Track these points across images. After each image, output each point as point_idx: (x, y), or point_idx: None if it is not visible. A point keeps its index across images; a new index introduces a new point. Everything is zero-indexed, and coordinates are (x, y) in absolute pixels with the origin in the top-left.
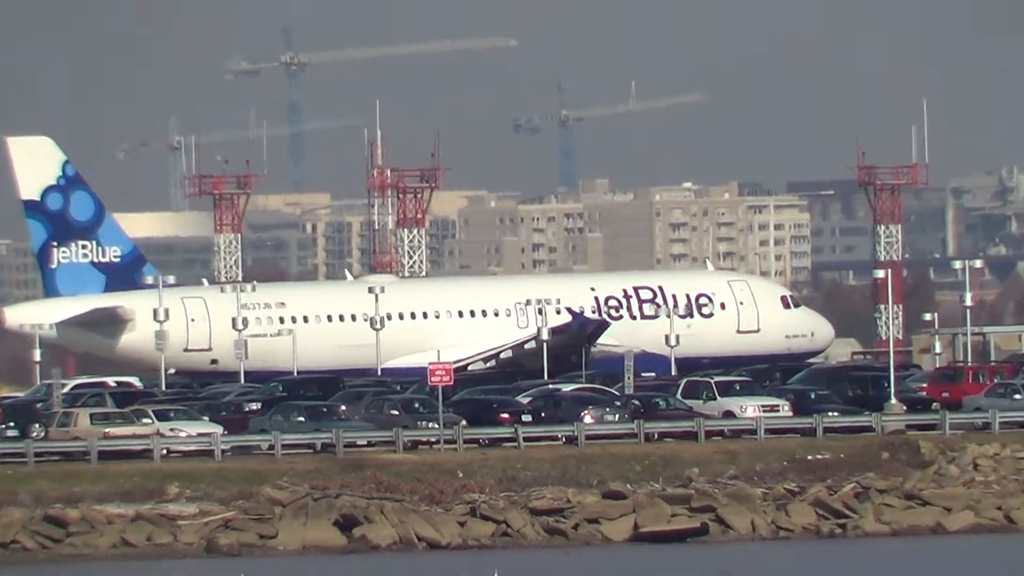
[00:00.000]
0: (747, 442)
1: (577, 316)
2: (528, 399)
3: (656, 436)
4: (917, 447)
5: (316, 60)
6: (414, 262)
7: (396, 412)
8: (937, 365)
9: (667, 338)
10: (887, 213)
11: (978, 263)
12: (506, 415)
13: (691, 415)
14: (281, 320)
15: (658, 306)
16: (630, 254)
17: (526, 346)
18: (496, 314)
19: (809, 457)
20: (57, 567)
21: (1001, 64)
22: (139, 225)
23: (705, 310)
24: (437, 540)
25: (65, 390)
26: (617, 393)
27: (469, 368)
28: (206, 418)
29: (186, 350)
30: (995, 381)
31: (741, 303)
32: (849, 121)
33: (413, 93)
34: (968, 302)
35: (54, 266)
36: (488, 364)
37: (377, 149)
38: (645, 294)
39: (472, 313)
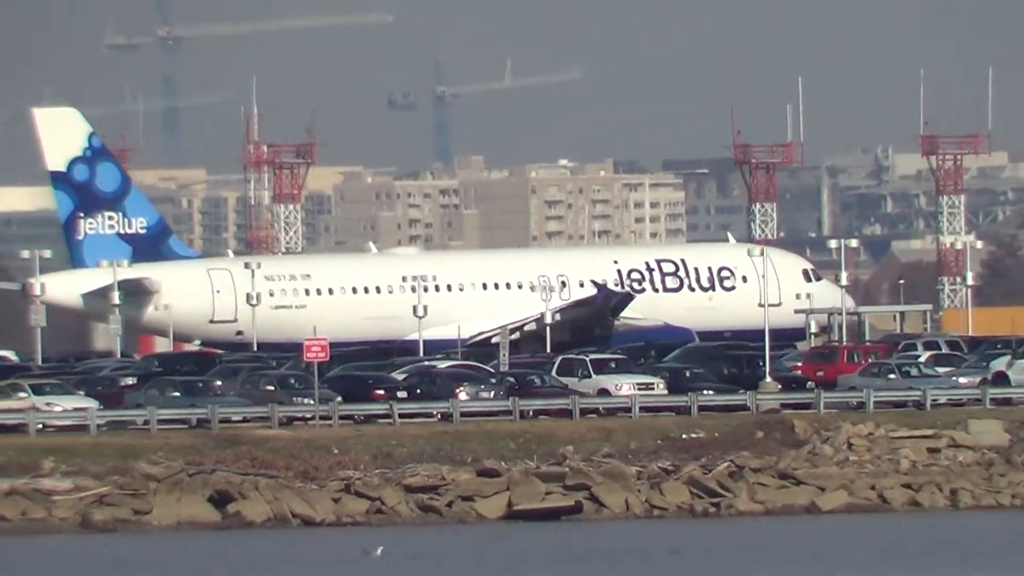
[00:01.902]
0: (622, 420)
1: (602, 288)
2: (403, 375)
3: (531, 413)
4: (791, 426)
5: (192, 34)
6: (290, 238)
7: (272, 388)
8: (812, 344)
9: None
10: (762, 191)
11: (853, 242)
12: (381, 391)
13: (566, 392)
14: (307, 292)
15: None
16: (506, 231)
17: (545, 320)
18: (519, 287)
19: (684, 436)
20: None
21: (877, 41)
22: (14, 199)
23: (727, 283)
24: (311, 517)
25: None
26: (492, 370)
27: (493, 340)
28: (82, 392)
29: (212, 321)
30: (870, 360)
31: (763, 276)
32: (725, 100)
33: (289, 69)
34: (843, 281)
35: (80, 237)
36: (512, 336)
37: (253, 124)
38: (667, 267)
39: (496, 286)
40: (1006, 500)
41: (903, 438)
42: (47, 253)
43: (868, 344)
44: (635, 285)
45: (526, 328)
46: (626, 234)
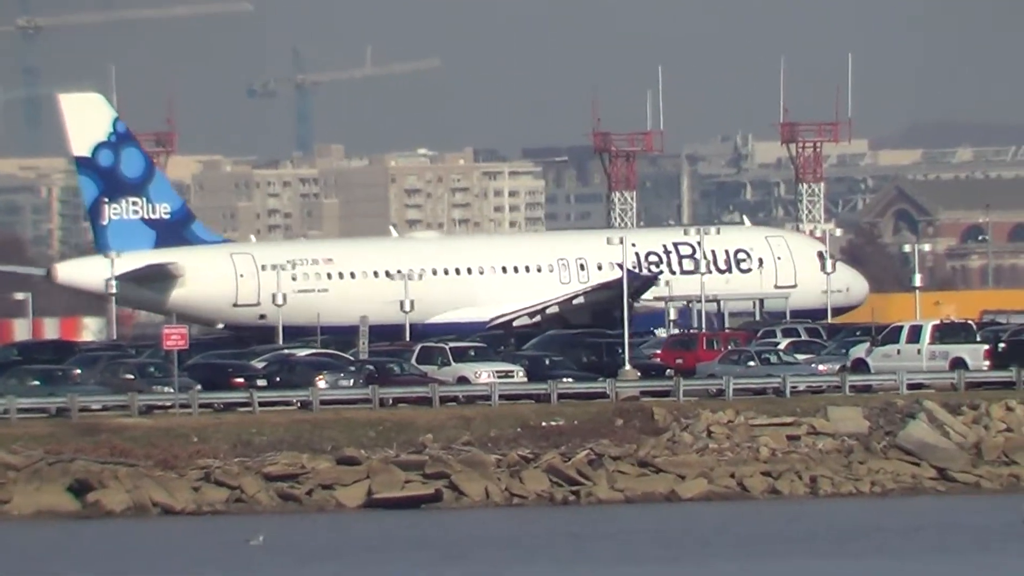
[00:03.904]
0: (481, 408)
1: (628, 271)
2: (263, 364)
3: (391, 402)
4: (651, 414)
5: (52, 23)
6: None
7: (131, 376)
8: (670, 332)
9: None
10: (622, 180)
11: (713, 230)
12: (240, 379)
13: (425, 380)
14: (329, 276)
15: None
16: (365, 219)
17: (574, 301)
18: (539, 270)
19: (543, 423)
20: None
21: (736, 29)
22: None
23: (743, 265)
24: (171, 505)
25: None
26: (351, 358)
27: (514, 324)
28: None
29: (235, 305)
30: (729, 348)
31: (778, 258)
32: (585, 88)
33: (148, 58)
34: (703, 270)
35: (105, 222)
36: (533, 319)
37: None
38: (685, 250)
39: (516, 269)
40: (865, 487)
41: (763, 425)
42: None
43: (727, 331)
44: (652, 268)
45: (548, 311)
46: (485, 223)
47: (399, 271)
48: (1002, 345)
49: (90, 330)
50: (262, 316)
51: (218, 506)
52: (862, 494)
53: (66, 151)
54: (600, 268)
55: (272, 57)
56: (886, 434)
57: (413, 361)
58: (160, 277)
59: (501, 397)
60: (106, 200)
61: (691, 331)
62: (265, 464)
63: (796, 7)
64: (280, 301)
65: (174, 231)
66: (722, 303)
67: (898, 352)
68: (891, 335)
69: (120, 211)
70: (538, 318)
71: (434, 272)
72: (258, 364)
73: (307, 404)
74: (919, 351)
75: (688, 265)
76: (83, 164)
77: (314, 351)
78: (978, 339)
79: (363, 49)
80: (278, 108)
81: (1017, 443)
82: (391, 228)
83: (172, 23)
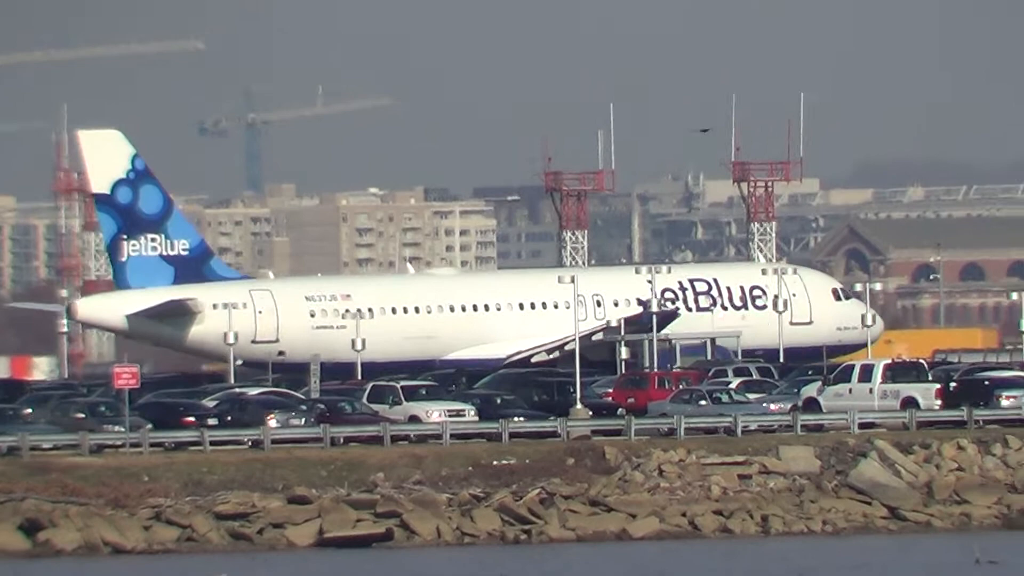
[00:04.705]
0: (433, 447)
1: (647, 307)
2: (214, 403)
3: (342, 440)
4: (602, 453)
5: (3, 62)
6: (100, 265)
7: (82, 415)
8: (623, 370)
9: None
10: (573, 219)
11: (664, 269)
12: (191, 419)
13: (376, 419)
14: (347, 312)
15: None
16: (316, 258)
17: (593, 337)
18: (556, 306)
19: (495, 462)
20: None
21: (687, 67)
22: None
23: (759, 302)
24: (122, 544)
25: None
26: (303, 397)
27: (533, 360)
28: None
29: (254, 341)
30: (680, 387)
31: (794, 295)
32: (536, 127)
33: (101, 96)
34: (654, 308)
35: (124, 259)
36: (551, 355)
37: (64, 152)
38: (700, 286)
39: (532, 305)
40: (817, 526)
41: (714, 464)
42: None
43: (679, 370)
44: (668, 304)
45: (567, 347)
46: (437, 262)
47: (347, 311)
48: (953, 384)
49: (41, 369)
50: (281, 352)
51: (169, 545)
52: (813, 533)
53: (15, 190)
54: (617, 304)
55: (223, 96)
56: (837, 473)
57: (364, 400)
58: (179, 313)
59: (452, 436)
60: (125, 236)
61: (644, 370)
62: (216, 503)
63: (747, 46)
64: (231, 340)
65: (192, 267)
66: (674, 342)
67: (850, 391)
68: (843, 374)
69: (139, 247)
70: (556, 354)
71: (451, 308)
72: (209, 403)
73: (258, 443)
74: (871, 390)
75: (704, 302)
76: (102, 201)
77: (265, 390)
78: (929, 378)
79: (314, 88)
80: (229, 147)
81: (968, 482)
82: (408, 265)
83: (124, 61)
